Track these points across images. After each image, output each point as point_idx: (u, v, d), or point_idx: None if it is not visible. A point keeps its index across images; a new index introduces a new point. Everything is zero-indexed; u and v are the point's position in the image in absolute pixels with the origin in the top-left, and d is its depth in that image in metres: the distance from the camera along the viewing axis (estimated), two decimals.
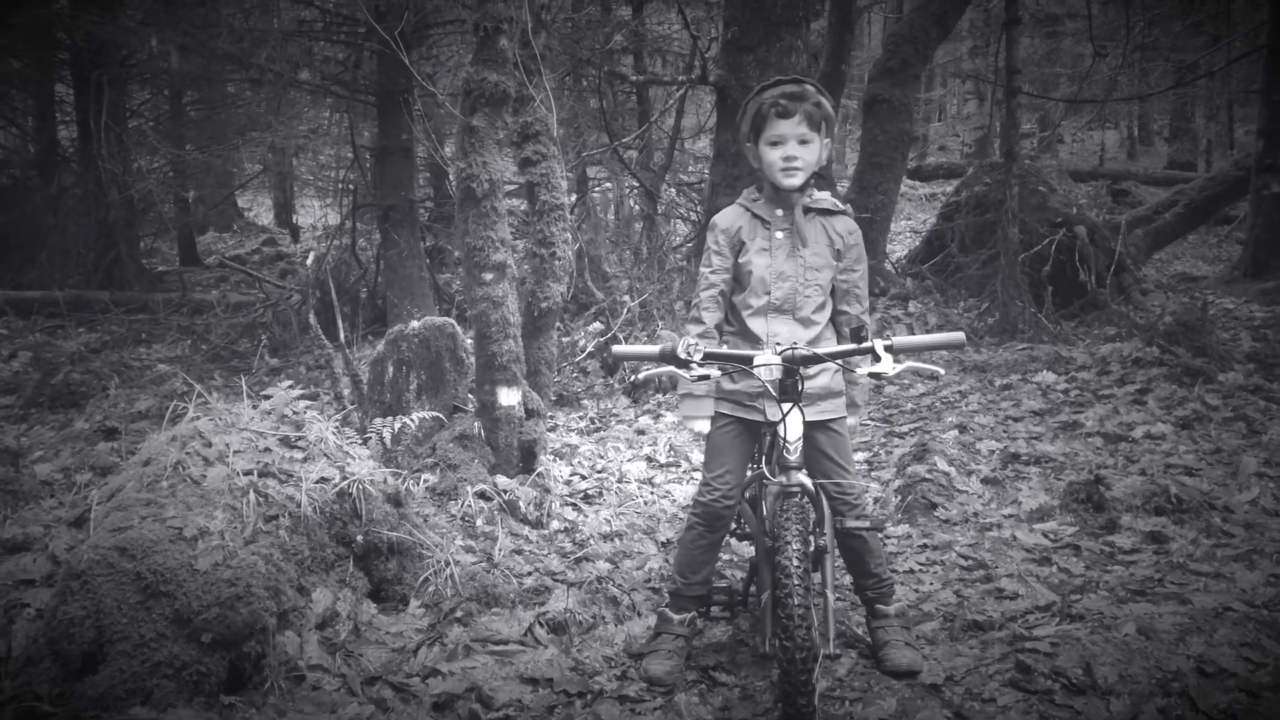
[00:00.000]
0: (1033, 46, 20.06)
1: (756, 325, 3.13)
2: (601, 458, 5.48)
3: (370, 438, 4.24)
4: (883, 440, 5.79)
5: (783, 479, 2.83)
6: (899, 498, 4.77)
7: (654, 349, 2.86)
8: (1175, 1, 15.52)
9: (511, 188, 6.09)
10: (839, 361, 2.93)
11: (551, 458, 4.99)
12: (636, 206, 9.85)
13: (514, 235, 4.62)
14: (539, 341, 4.68)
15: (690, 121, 11.68)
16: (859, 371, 2.82)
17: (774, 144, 3.05)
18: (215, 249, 19.30)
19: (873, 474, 5.26)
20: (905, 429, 5.93)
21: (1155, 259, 12.97)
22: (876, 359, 2.72)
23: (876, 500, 4.79)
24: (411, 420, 4.25)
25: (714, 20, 9.80)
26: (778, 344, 2.93)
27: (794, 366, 2.78)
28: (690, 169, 10.78)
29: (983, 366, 7.08)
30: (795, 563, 2.62)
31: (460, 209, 4.32)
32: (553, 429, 6.16)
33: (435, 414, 4.38)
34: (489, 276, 4.32)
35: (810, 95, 3.04)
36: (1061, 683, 2.95)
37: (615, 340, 7.32)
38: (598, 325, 7.82)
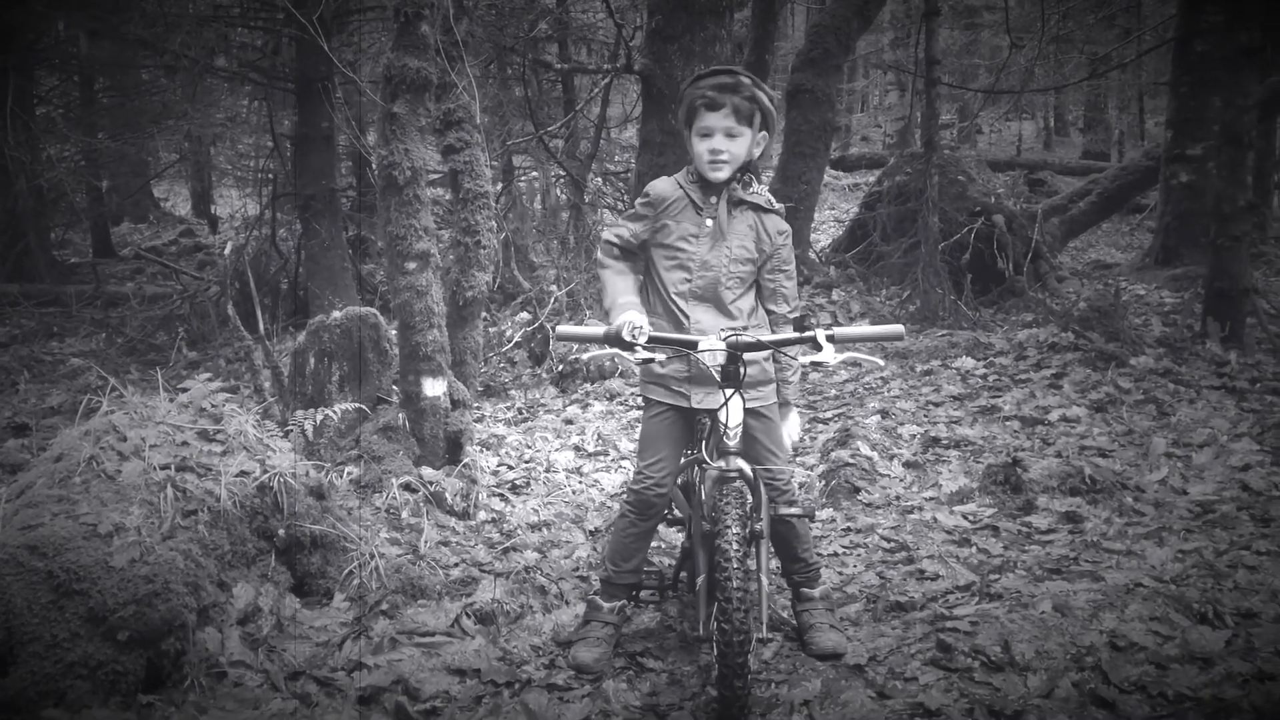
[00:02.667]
0: (952, 38, 20.39)
1: (679, 309, 3.13)
2: (529, 448, 5.46)
3: (292, 430, 4.18)
4: (807, 426, 5.86)
5: (721, 464, 2.85)
6: (823, 482, 4.83)
7: (598, 331, 2.86)
8: None
9: (435, 176, 6.02)
10: (783, 351, 2.95)
11: (478, 448, 4.96)
12: (563, 196, 9.82)
13: (437, 224, 4.57)
14: (464, 331, 4.64)
15: (616, 111, 11.67)
16: (800, 360, 2.83)
17: (703, 136, 3.04)
18: (131, 240, 18.79)
19: (798, 459, 5.32)
20: (829, 415, 6.01)
21: (1070, 247, 13.31)
22: (818, 348, 2.74)
23: (801, 485, 4.84)
24: (334, 412, 4.19)
25: (638, 9, 9.79)
26: (721, 330, 2.94)
27: (737, 353, 2.79)
28: (616, 158, 10.77)
29: (904, 353, 7.20)
30: (735, 547, 2.65)
31: (382, 197, 4.27)
32: (479, 420, 6.12)
33: (358, 406, 4.32)
34: (412, 265, 4.27)
35: (743, 88, 3.03)
36: (981, 660, 3.02)
37: (542, 330, 7.30)
38: (525, 315, 7.79)
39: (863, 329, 2.90)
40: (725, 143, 3.01)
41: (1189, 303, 8.99)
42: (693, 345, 2.84)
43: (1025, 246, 10.37)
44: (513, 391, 6.80)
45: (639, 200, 3.22)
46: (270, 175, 10.02)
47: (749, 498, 2.84)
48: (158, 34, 8.80)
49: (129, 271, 14.11)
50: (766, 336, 2.91)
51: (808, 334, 2.79)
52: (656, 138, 8.30)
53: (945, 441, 5.25)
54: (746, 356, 2.86)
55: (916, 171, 10.96)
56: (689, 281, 3.13)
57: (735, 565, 2.61)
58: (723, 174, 3.05)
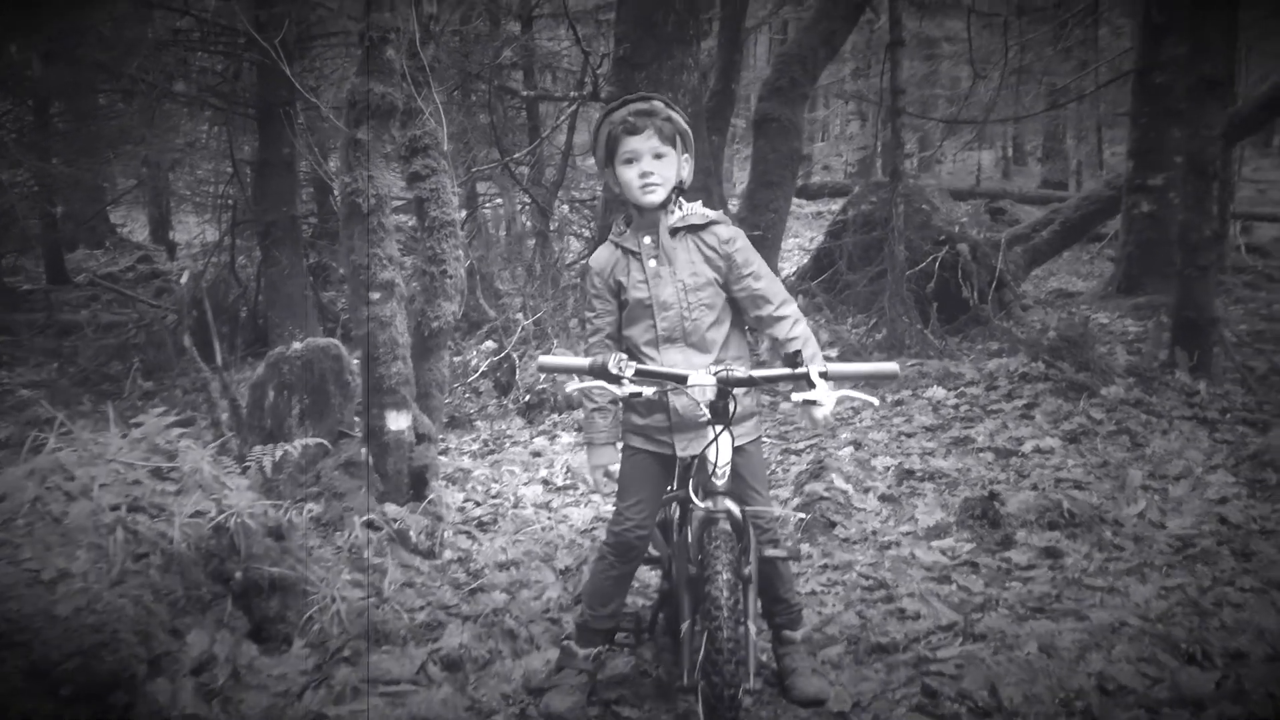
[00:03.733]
0: (912, 68, 20.57)
1: (650, 359, 3.03)
2: (496, 482, 5.32)
3: (250, 467, 4.02)
4: (779, 457, 5.77)
5: (709, 504, 2.74)
6: (799, 517, 4.73)
7: (583, 362, 2.75)
8: (1047, 28, 16.08)
9: (399, 202, 5.90)
10: (774, 389, 2.86)
11: (444, 483, 4.82)
12: (529, 223, 9.71)
13: (402, 252, 4.46)
14: (430, 362, 4.51)
15: (582, 138, 11.61)
16: (793, 398, 2.72)
17: (628, 162, 2.95)
18: (86, 266, 18.43)
19: (771, 492, 5.21)
20: (801, 446, 5.92)
21: (1033, 275, 13.37)
22: (811, 385, 2.64)
23: (777, 518, 4.73)
24: (294, 447, 4.04)
25: (604, 36, 9.74)
26: (710, 366, 2.83)
27: (727, 388, 2.69)
28: (583, 185, 10.69)
29: (874, 382, 7.12)
30: (726, 594, 2.53)
31: (345, 225, 4.14)
32: (444, 452, 5.97)
33: (319, 440, 4.17)
34: (376, 295, 4.14)
35: (659, 111, 2.96)
36: (968, 705, 2.92)
37: (508, 360, 7.17)
38: (490, 344, 7.66)
39: (858, 366, 2.81)
40: (654, 164, 2.93)
41: (1154, 332, 9.03)
42: (681, 380, 2.73)
43: (989, 275, 10.39)
44: (478, 423, 6.66)
45: (589, 284, 3.15)
46: (230, 201, 9.83)
47: (736, 540, 2.73)
48: (115, 58, 8.62)
49: (83, 299, 13.79)
50: (757, 371, 2.81)
51: (800, 370, 2.68)
52: None
53: (920, 474, 5.18)
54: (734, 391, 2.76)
55: (881, 200, 10.98)
56: (653, 327, 3.03)
57: (727, 614, 2.50)
58: (656, 196, 2.95)
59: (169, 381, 8.36)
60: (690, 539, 2.80)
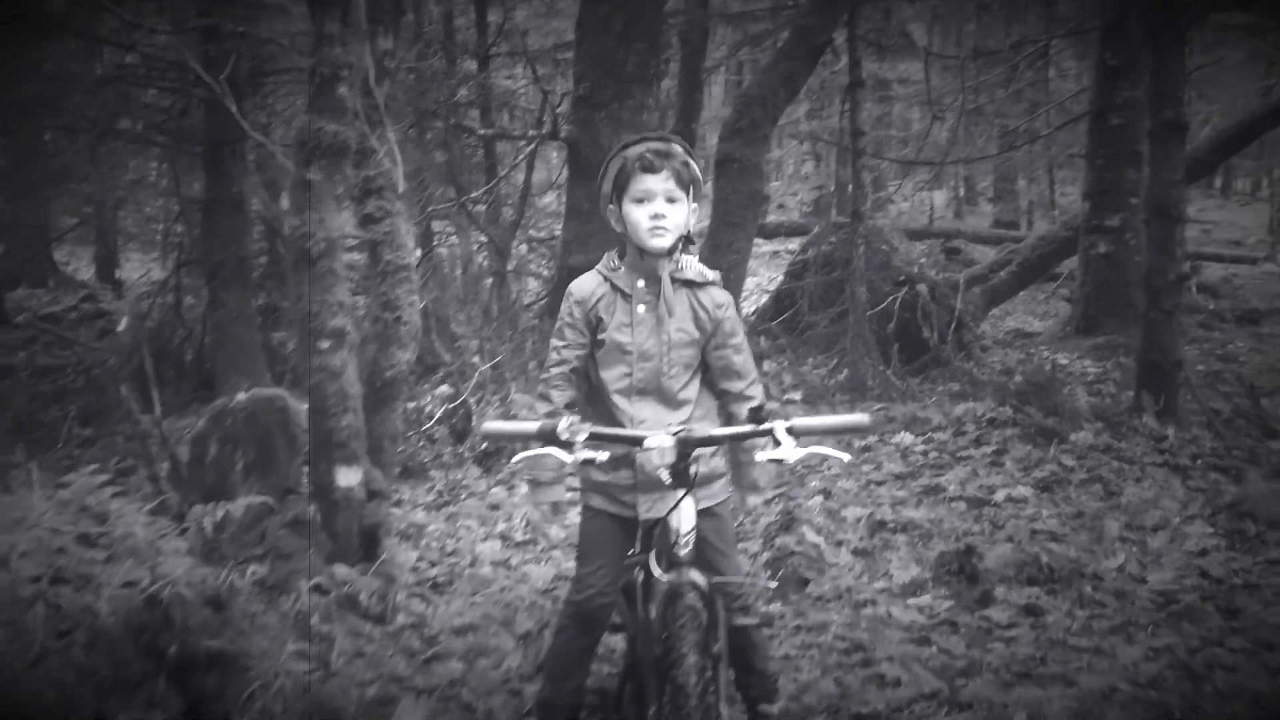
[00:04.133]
0: (867, 110, 20.73)
1: (619, 408, 2.85)
2: (451, 538, 5.08)
3: (189, 528, 3.76)
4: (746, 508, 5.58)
5: (673, 576, 2.54)
6: (768, 572, 4.54)
7: (530, 427, 2.55)
8: (1000, 70, 16.27)
9: (351, 242, 5.68)
10: (738, 445, 2.68)
11: (397, 540, 4.58)
12: (485, 263, 9.52)
13: (354, 292, 4.26)
14: (382, 414, 4.28)
15: (540, 177, 11.46)
16: (757, 457, 2.54)
17: (639, 201, 2.77)
18: (28, 305, 17.93)
19: (739, 545, 5.03)
20: (768, 494, 5.74)
21: (990, 315, 13.39)
22: (776, 443, 2.46)
23: (749, 574, 4.53)
24: (236, 506, 3.79)
25: (563, 75, 9.64)
26: (669, 425, 2.64)
27: (688, 449, 2.50)
28: (541, 224, 10.52)
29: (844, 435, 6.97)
30: (693, 680, 2.34)
31: (294, 270, 3.93)
32: (397, 504, 5.73)
33: (263, 498, 3.92)
34: (325, 344, 3.92)
35: (678, 154, 2.80)
36: None
37: (465, 407, 6.94)
38: (446, 389, 7.42)
39: (825, 420, 2.63)
40: (666, 207, 2.75)
41: (1122, 374, 9.01)
42: (637, 442, 2.54)
43: (949, 316, 10.36)
44: (433, 472, 6.41)
45: (565, 310, 2.93)
46: (177, 240, 9.53)
47: (704, 616, 2.54)
48: (57, 92, 8.35)
49: (21, 340, 13.34)
50: (719, 430, 2.63)
51: (765, 426, 2.51)
52: (583, 205, 8.08)
53: (892, 525, 5.02)
54: (698, 451, 2.57)
55: (842, 241, 10.93)
56: (629, 376, 2.85)
57: (695, 702, 2.31)
58: (665, 241, 2.77)
59: (109, 428, 8.01)
60: (654, 615, 2.60)
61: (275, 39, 7.03)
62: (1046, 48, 16.40)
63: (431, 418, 7.00)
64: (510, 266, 8.85)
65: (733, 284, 9.63)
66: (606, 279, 2.91)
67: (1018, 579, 4.23)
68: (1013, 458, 5.95)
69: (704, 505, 2.79)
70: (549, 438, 2.50)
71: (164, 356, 9.17)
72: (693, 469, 2.52)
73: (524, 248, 9.64)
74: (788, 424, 2.49)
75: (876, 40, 9.73)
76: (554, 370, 2.93)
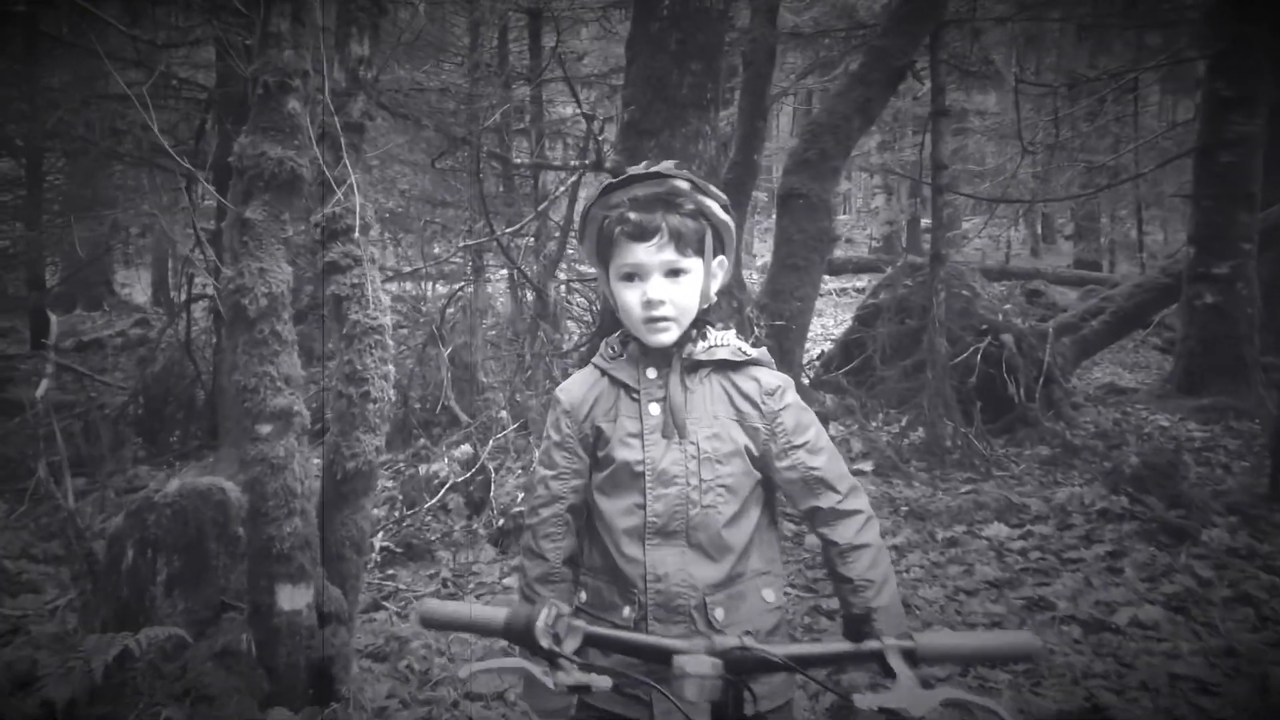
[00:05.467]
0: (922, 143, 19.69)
1: (628, 557, 1.93)
2: (442, 654, 4.15)
3: (74, 668, 2.89)
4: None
5: None
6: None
7: (494, 617, 1.63)
8: (1085, 102, 15.19)
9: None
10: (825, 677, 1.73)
11: (368, 664, 3.68)
12: (529, 300, 8.69)
13: (312, 361, 3.40)
14: (344, 515, 3.38)
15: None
16: (859, 702, 1.54)
17: (628, 278, 1.89)
18: (80, 329, 17.58)
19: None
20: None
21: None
22: (887, 670, 1.50)
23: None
24: (138, 642, 2.91)
25: (613, 100, 8.80)
26: (715, 636, 1.67)
27: (742, 676, 1.55)
28: (584, 262, 9.65)
29: (920, 512, 5.96)
30: None
31: (229, 333, 3.07)
32: (388, 596, 4.84)
33: (173, 631, 3.03)
34: (266, 429, 3.05)
35: (681, 198, 1.88)
36: None
37: (484, 472, 6.04)
38: (466, 449, 6.55)
39: (969, 640, 1.63)
40: (666, 288, 1.87)
41: (1235, 442, 7.92)
42: (663, 656, 1.59)
43: (1036, 369, 9.37)
44: (441, 552, 5.51)
45: (551, 424, 2.05)
46: (189, 273, 8.81)
47: None
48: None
49: (59, 369, 12.80)
50: (794, 648, 1.64)
51: (868, 646, 1.55)
52: None
53: None
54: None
55: (919, 284, 9.96)
56: (641, 509, 1.93)
57: None
58: (668, 337, 1.90)
59: (100, 479, 7.25)
60: None
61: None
62: (1136, 80, 15.32)
63: (445, 484, 6.12)
64: (549, 309, 7.97)
65: (795, 336, 8.66)
66: (604, 373, 2.01)
67: None
68: (1133, 563, 4.88)
69: (764, 706, 1.84)
70: (521, 635, 1.58)
71: (172, 398, 8.45)
72: (748, 708, 1.58)
73: (563, 288, 8.78)
74: (908, 643, 1.53)
75: (961, 65, 8.71)
76: (544, 512, 2.03)
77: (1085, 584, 4.70)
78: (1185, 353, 10.46)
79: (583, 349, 8.46)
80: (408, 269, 8.03)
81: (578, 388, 2.03)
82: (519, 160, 7.43)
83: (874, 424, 8.69)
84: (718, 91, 7.77)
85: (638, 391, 1.96)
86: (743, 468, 1.95)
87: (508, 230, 7.48)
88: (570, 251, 8.46)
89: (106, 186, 11.67)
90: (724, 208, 1.92)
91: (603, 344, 2.07)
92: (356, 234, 3.08)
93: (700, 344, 1.96)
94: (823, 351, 12.01)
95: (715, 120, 7.75)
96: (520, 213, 8.92)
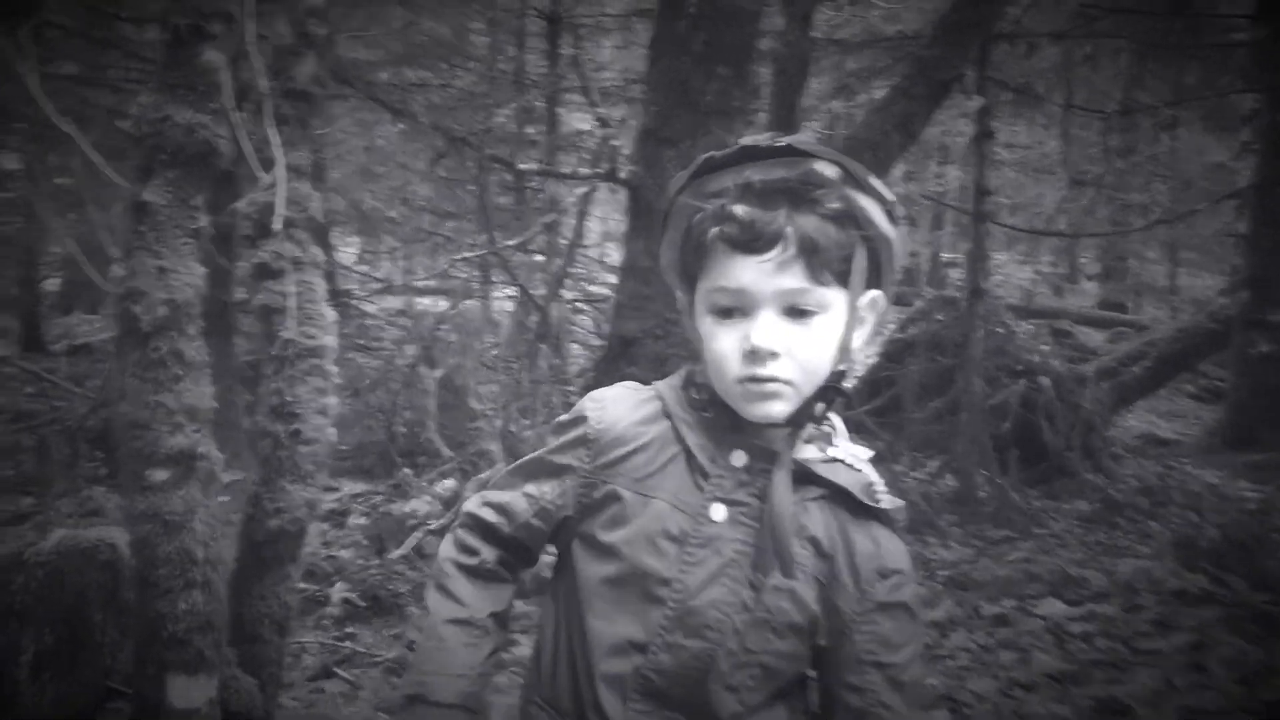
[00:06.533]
0: (968, 172, 19.04)
1: (598, 705, 1.26)
2: None
3: None
4: None
5: None
6: None
7: None
8: (1120, 136, 14.61)
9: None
10: None
11: None
12: (531, 319, 8.02)
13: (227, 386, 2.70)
14: (264, 586, 2.67)
15: (608, 226, 10.00)
16: None
17: (723, 311, 1.24)
18: (76, 332, 16.99)
19: None
20: None
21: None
22: None
23: None
24: None
25: (630, 108, 8.16)
26: None
27: None
28: (596, 281, 9.00)
29: (961, 580, 5.22)
30: None
31: (117, 351, 2.37)
32: (343, 661, 4.13)
33: None
34: (160, 476, 2.35)
35: (823, 191, 1.20)
36: None
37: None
38: (450, 484, 5.86)
39: None
40: (784, 332, 1.21)
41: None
42: None
43: (1073, 415, 8.72)
44: (411, 607, 4.79)
45: (559, 443, 1.38)
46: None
47: None
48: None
49: (29, 376, 12.17)
50: None
51: None
52: (642, 262, 6.52)
53: None
54: None
55: (952, 320, 9.30)
56: (640, 652, 1.26)
57: None
58: (777, 409, 1.24)
59: (49, 501, 6.57)
60: None
61: None
62: (1175, 117, 14.67)
63: (425, 524, 5.42)
64: (551, 329, 7.29)
65: None
66: (669, 417, 1.33)
67: None
68: (1220, 659, 4.14)
69: None
70: None
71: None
72: None
73: (568, 307, 8.10)
74: None
75: (1010, 84, 8.05)
76: (481, 512, 1.44)
77: (1166, 685, 3.95)
78: (1236, 404, 9.83)
79: (589, 374, 7.77)
80: (398, 282, 7.39)
81: (621, 412, 1.34)
82: (523, 167, 6.79)
83: (898, 467, 8.03)
84: (745, 99, 7.13)
85: (709, 477, 1.26)
86: (796, 648, 1.28)
87: (508, 243, 6.82)
88: (578, 269, 7.79)
89: (98, 183, 11.13)
90: (889, 213, 1.22)
91: (683, 372, 1.36)
92: (276, 228, 2.38)
93: (821, 442, 1.28)
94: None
95: (742, 131, 7.09)
96: (529, 226, 8.28)
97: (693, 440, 1.28)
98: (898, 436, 8.71)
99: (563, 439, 1.35)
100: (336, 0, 2.65)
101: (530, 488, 1.36)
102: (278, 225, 2.38)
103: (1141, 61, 13.48)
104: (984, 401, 7.87)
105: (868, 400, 9.81)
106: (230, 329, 6.68)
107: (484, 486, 1.56)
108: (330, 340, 2.62)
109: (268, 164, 2.39)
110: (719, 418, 1.28)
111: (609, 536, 1.27)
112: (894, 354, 9.77)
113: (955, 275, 20.91)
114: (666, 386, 1.34)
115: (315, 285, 2.61)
